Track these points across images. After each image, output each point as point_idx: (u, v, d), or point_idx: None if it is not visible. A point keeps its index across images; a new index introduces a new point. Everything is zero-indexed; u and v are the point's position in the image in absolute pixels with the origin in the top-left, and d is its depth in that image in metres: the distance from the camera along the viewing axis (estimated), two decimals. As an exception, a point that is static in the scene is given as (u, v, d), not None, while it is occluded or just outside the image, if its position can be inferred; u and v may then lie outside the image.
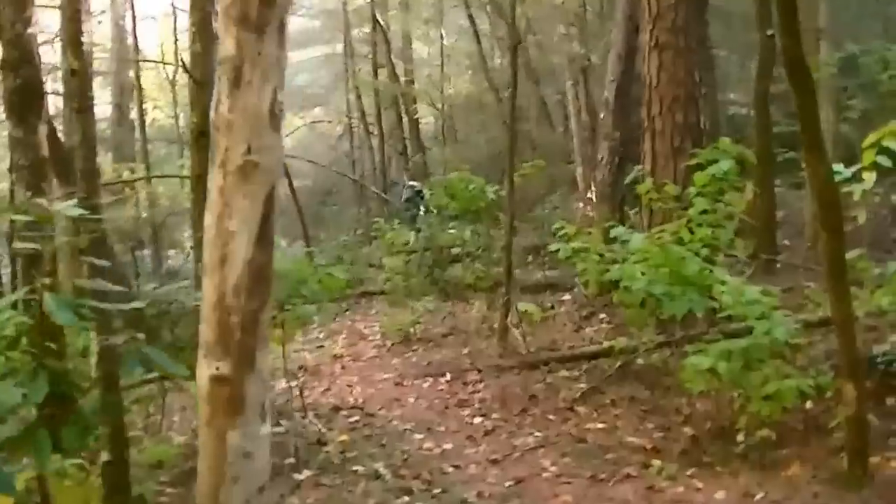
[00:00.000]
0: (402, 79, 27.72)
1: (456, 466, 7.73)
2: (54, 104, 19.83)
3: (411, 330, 12.45)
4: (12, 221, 5.22)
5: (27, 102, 5.90)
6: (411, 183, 20.85)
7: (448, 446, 8.25)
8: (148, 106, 26.96)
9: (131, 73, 23.89)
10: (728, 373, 7.07)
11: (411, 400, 9.82)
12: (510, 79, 12.10)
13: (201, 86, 8.74)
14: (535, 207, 20.16)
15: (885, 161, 6.59)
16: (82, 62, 6.06)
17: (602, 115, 14.38)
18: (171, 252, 22.78)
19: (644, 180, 9.70)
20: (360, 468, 7.57)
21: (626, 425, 8.38)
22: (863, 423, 6.45)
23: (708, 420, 7.98)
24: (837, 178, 6.42)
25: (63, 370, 4.32)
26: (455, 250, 15.43)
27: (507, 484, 7.26)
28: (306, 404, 9.39)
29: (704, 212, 8.58)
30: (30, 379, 3.99)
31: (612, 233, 8.76)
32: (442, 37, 27.84)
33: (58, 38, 17.40)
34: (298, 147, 31.40)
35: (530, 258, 16.29)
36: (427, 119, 30.02)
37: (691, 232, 8.44)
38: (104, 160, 24.26)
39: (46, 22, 19.24)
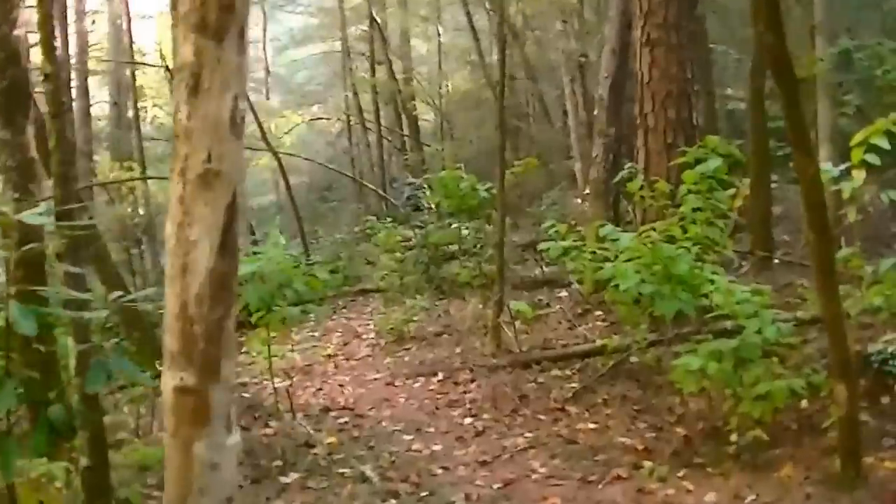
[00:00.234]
0: (401, 76, 27.66)
1: (444, 468, 7.65)
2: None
3: (405, 329, 12.36)
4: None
5: (14, 103, 5.84)
6: (411, 180, 20.81)
7: (437, 447, 8.18)
8: (148, 104, 26.93)
9: (128, 72, 23.82)
10: (718, 373, 7.00)
11: (402, 400, 9.75)
12: (499, 76, 11.96)
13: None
14: (534, 204, 20.07)
15: (873, 159, 6.57)
16: (55, 66, 5.98)
17: (596, 112, 14.30)
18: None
19: (635, 178, 9.59)
20: (347, 470, 7.49)
21: (618, 425, 8.31)
22: (855, 424, 6.39)
23: (701, 420, 7.91)
24: (826, 177, 6.36)
25: (32, 378, 4.27)
26: (452, 247, 15.37)
27: (495, 486, 7.18)
28: (297, 405, 9.35)
29: (697, 209, 8.52)
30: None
31: (601, 231, 8.69)
32: (439, 34, 27.75)
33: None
34: (298, 144, 31.41)
35: (528, 255, 16.20)
36: (427, 116, 29.98)
37: (684, 230, 8.37)
38: (103, 159, 24.30)
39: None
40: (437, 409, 9.32)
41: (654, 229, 8.39)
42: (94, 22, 21.20)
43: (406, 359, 11.41)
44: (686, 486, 6.80)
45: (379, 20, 26.70)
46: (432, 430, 8.71)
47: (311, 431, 8.47)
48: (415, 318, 12.67)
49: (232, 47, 2.88)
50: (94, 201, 19.80)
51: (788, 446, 7.16)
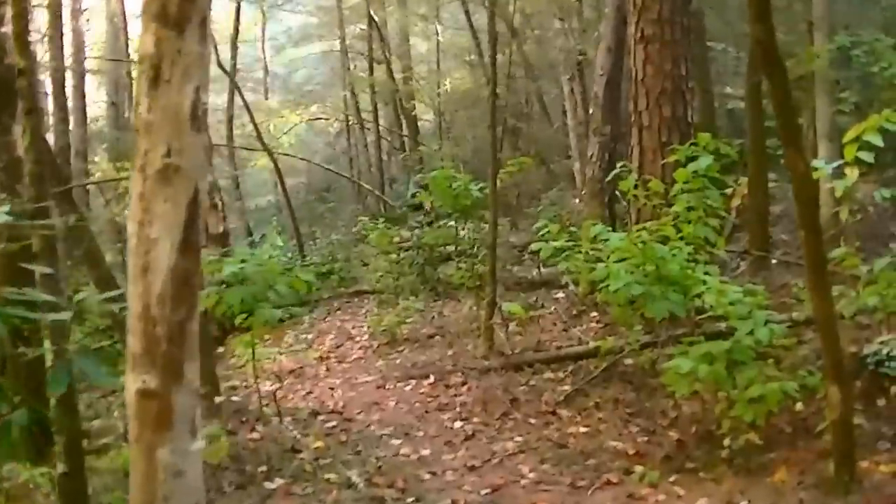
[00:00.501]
0: (401, 75, 27.57)
1: (432, 473, 7.54)
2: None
3: (397, 330, 12.23)
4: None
5: (1, 102, 5.75)
6: (416, 179, 20.70)
7: (425, 452, 8.06)
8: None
9: (125, 72, 23.75)
10: (710, 376, 6.87)
11: (391, 403, 9.62)
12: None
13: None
14: (533, 204, 19.98)
15: (867, 156, 6.43)
16: (29, 61, 5.86)
17: (591, 110, 14.17)
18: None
19: (627, 176, 9.45)
20: (332, 476, 7.36)
21: (610, 429, 8.19)
22: (849, 427, 6.26)
23: (694, 423, 7.80)
24: (817, 174, 6.23)
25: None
26: (449, 248, 15.26)
27: (483, 492, 7.07)
28: (286, 408, 9.26)
29: (690, 208, 8.39)
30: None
31: (592, 231, 8.57)
32: (437, 33, 27.64)
33: (45, 37, 17.41)
34: (297, 144, 31.33)
35: (525, 255, 16.07)
36: (427, 115, 29.88)
37: (677, 230, 8.25)
38: (101, 159, 24.25)
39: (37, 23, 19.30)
40: (426, 412, 9.21)
41: (646, 229, 8.27)
42: (88, 20, 21.09)
43: (398, 361, 11.28)
44: (677, 491, 6.70)
45: (378, 19, 26.57)
46: (421, 434, 8.59)
47: (298, 436, 8.34)
48: (408, 320, 12.55)
49: (193, 37, 2.84)
50: (91, 202, 19.78)
51: (782, 450, 7.05)
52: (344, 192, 27.58)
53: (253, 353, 8.65)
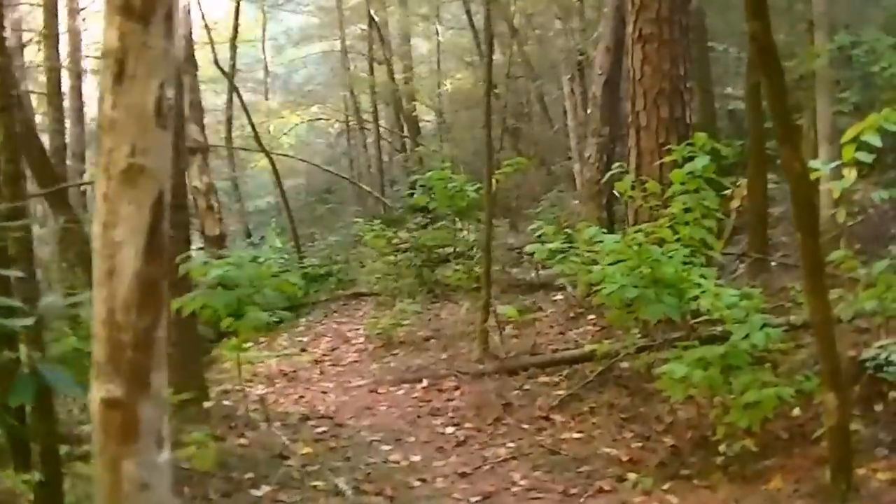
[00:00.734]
0: (401, 75, 27.46)
1: (422, 480, 7.43)
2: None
3: (393, 333, 12.11)
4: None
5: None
6: (413, 180, 20.59)
7: (416, 458, 7.94)
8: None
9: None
10: (705, 381, 6.74)
11: (383, 408, 9.52)
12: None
13: (160, 84, 8.43)
14: (533, 205, 19.87)
15: (865, 157, 6.29)
16: (5, 57, 5.75)
17: (590, 111, 14.04)
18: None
19: (623, 178, 9.30)
20: (320, 483, 7.25)
21: (604, 435, 8.08)
22: (846, 434, 6.13)
23: (690, 429, 7.69)
24: (815, 175, 6.11)
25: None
26: (448, 249, 15.17)
27: (473, 499, 6.98)
28: (276, 413, 9.16)
29: (687, 210, 8.25)
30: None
31: (586, 233, 8.43)
32: (438, 33, 27.54)
33: (40, 37, 17.31)
34: (298, 145, 31.24)
35: (525, 257, 15.96)
36: (428, 116, 29.78)
37: (674, 231, 8.11)
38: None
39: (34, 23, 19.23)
40: (419, 417, 9.10)
41: (642, 230, 8.15)
42: (85, 20, 20.95)
43: (392, 364, 11.19)
44: (671, 499, 6.61)
45: (378, 19, 26.46)
46: (412, 439, 8.48)
47: (287, 441, 8.22)
48: (404, 322, 12.43)
49: (158, 31, 2.75)
50: (88, 204, 19.65)
51: (779, 456, 6.93)
52: (344, 194, 27.48)
53: (239, 357, 8.53)
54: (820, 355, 6.23)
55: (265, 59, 30.64)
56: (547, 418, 8.59)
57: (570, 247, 9.11)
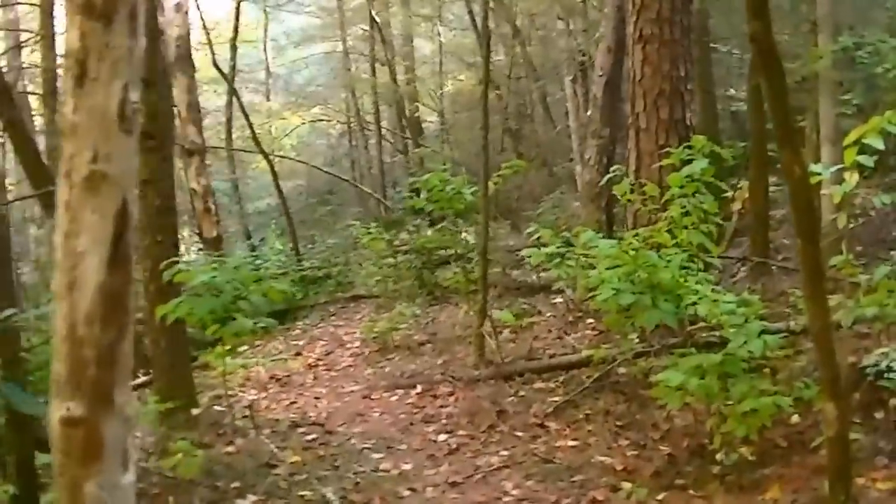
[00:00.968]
0: (404, 76, 27.35)
1: (412, 490, 7.27)
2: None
3: (389, 337, 11.96)
4: None
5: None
6: (411, 181, 20.50)
7: (407, 467, 7.79)
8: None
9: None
10: (701, 389, 6.59)
11: (376, 415, 9.36)
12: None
13: (148, 85, 8.36)
14: (534, 207, 19.77)
15: (867, 160, 6.15)
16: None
17: (590, 112, 13.90)
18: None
19: (621, 180, 9.15)
20: (307, 493, 7.12)
21: (599, 442, 7.90)
22: (845, 443, 5.95)
23: (686, 437, 7.52)
24: (815, 179, 5.96)
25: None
26: (449, 251, 15.02)
27: (463, 510, 6.81)
28: (266, 420, 9.05)
29: (686, 213, 8.10)
30: None
31: (583, 237, 8.28)
32: (439, 34, 27.44)
33: (37, 38, 17.21)
34: (299, 146, 31.15)
35: (525, 259, 15.84)
36: (431, 117, 29.69)
37: (672, 235, 7.97)
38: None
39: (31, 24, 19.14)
40: (411, 424, 8.93)
41: (639, 235, 8.00)
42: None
43: (387, 369, 11.03)
44: (664, 510, 6.42)
45: (380, 20, 26.35)
46: (404, 447, 8.32)
47: (276, 449, 8.07)
48: (402, 326, 12.29)
49: (122, 30, 2.61)
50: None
51: (776, 465, 6.78)
52: (346, 195, 27.41)
53: (224, 364, 8.38)
54: (819, 365, 6.07)
55: (267, 59, 30.55)
56: (542, 425, 8.42)
57: (568, 250, 8.97)
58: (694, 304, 7.30)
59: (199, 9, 22.56)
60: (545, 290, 13.20)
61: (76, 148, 2.59)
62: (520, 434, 8.28)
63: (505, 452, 7.88)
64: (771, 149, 10.95)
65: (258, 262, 16.49)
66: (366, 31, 27.40)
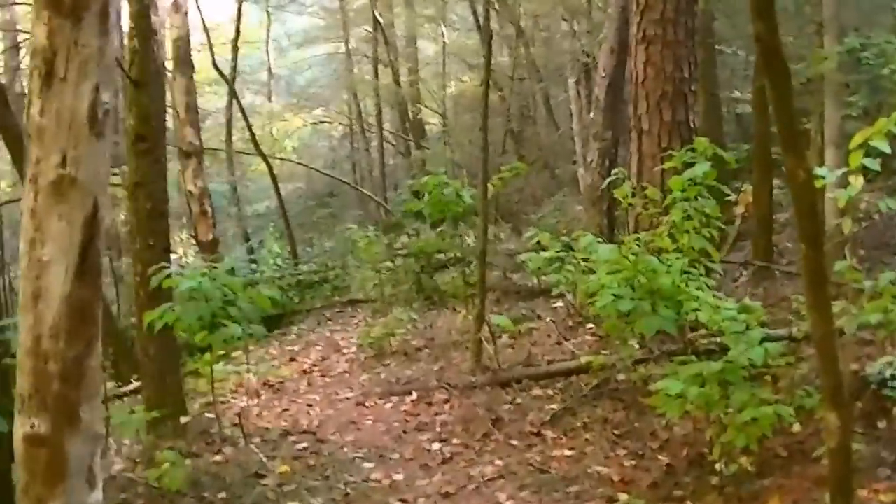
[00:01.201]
0: (407, 78, 27.22)
1: (403, 501, 7.10)
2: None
3: (385, 343, 11.79)
4: None
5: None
6: (410, 184, 20.39)
7: (399, 477, 7.60)
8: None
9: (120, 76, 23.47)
10: (700, 398, 6.40)
11: (369, 423, 9.17)
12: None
13: (139, 86, 8.22)
14: (536, 210, 19.64)
15: (872, 164, 5.98)
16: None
17: (592, 114, 13.74)
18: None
19: (622, 183, 8.97)
20: (295, 504, 6.92)
21: (596, 452, 7.72)
22: (847, 454, 5.77)
23: (685, 446, 7.36)
24: (819, 182, 5.78)
25: None
26: (448, 255, 14.88)
27: (454, 523, 6.63)
28: (257, 428, 8.90)
29: (687, 217, 7.92)
30: None
31: (582, 241, 8.11)
32: (443, 35, 27.30)
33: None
34: (301, 148, 31.02)
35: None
36: (435, 119, 29.56)
37: (673, 240, 7.79)
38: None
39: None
40: (405, 432, 8.74)
41: (640, 239, 7.83)
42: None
43: (383, 375, 10.86)
44: (662, 523, 6.26)
45: (384, 21, 26.22)
46: (396, 456, 8.14)
47: (265, 459, 7.89)
48: (399, 331, 12.11)
49: (91, 28, 2.54)
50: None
51: (776, 476, 6.63)
52: (347, 198, 27.28)
53: (212, 372, 8.22)
54: (821, 374, 5.88)
55: (269, 61, 30.43)
56: (538, 434, 8.24)
57: (568, 255, 8.81)
58: (695, 310, 7.15)
59: (199, 10, 22.39)
60: (545, 294, 13.01)
61: (43, 152, 2.51)
62: (515, 443, 8.10)
63: (499, 462, 7.70)
64: (775, 151, 10.81)
65: (254, 266, 16.36)
66: (369, 32, 27.28)
